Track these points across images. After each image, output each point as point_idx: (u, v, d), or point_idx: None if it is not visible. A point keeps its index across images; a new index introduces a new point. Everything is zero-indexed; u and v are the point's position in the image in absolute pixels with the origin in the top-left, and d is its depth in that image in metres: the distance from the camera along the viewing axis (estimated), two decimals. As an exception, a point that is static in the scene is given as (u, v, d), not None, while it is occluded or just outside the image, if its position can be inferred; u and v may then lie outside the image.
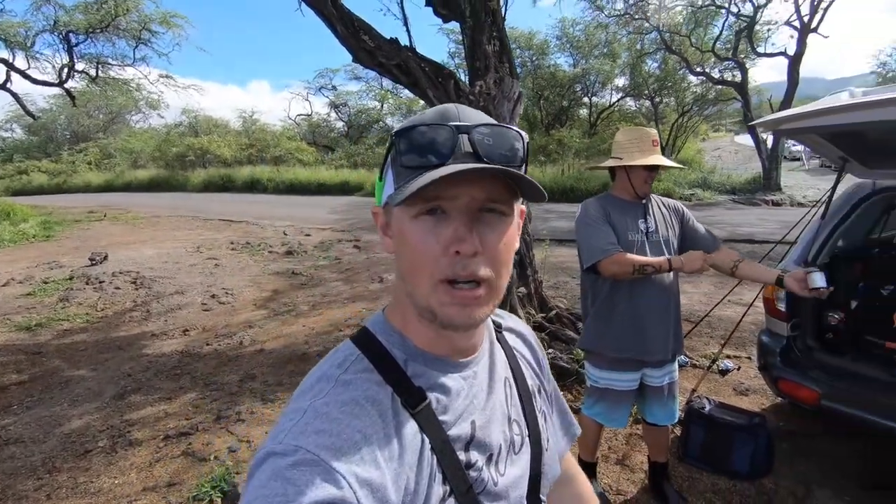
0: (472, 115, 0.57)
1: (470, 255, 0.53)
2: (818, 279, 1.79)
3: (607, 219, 2.01)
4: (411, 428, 0.55)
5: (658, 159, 1.95)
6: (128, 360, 4.42)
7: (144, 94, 20.46)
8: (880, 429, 2.17)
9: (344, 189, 21.75)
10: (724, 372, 3.62)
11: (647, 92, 23.27)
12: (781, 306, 2.61)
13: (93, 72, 15.10)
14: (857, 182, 2.73)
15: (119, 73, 15.95)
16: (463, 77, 4.87)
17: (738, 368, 3.67)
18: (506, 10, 4.71)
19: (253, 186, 24.53)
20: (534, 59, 23.90)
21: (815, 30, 14.14)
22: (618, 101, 25.84)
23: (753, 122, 2.48)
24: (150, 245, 10.15)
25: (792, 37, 14.78)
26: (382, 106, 31.43)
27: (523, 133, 0.57)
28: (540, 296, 4.03)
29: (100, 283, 6.96)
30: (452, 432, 0.58)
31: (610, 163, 2.04)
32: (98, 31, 13.68)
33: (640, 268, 1.90)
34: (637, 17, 17.10)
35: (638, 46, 21.14)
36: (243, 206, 17.70)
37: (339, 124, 33.80)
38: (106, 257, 8.44)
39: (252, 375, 3.96)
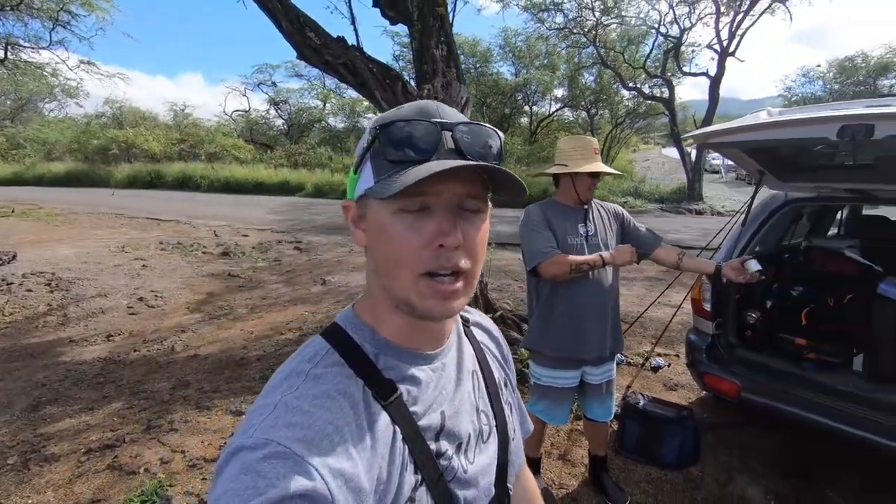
0: (452, 113, 0.58)
1: (453, 248, 0.54)
2: (753, 265, 2.00)
3: (548, 224, 2.09)
4: (383, 419, 0.55)
5: (601, 166, 2.06)
6: (42, 368, 4.05)
7: (61, 81, 18.79)
8: (790, 417, 2.40)
9: (284, 189, 21.07)
10: (655, 369, 3.85)
11: (583, 103, 24.34)
12: (707, 307, 2.82)
13: (0, 53, 13.73)
14: (771, 193, 3.00)
15: (32, 57, 14.61)
16: (410, 80, 4.88)
17: (669, 365, 3.92)
18: (453, 16, 4.78)
19: (184, 183, 23.21)
20: (477, 66, 24.33)
21: (732, 54, 15.41)
22: (557, 110, 26.80)
23: (685, 136, 2.68)
24: (67, 244, 9.34)
25: (712, 59, 16.05)
26: (325, 105, 30.78)
27: (499, 131, 0.60)
28: (485, 298, 4.11)
29: (8, 284, 6.33)
30: (423, 422, 0.59)
31: (555, 169, 2.12)
32: (7, 7, 12.46)
33: (576, 266, 2.00)
34: (575, 31, 17.85)
35: (576, 60, 22.07)
36: (174, 203, 16.71)
37: (279, 122, 32.74)
38: (15, 256, 7.68)
39: (185, 382, 3.75)
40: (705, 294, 2.84)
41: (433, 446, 0.59)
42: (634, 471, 2.70)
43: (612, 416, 2.41)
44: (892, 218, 3.54)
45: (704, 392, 3.27)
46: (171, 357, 4.26)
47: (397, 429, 0.56)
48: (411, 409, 0.59)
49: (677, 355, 4.08)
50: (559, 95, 25.95)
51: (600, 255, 2.04)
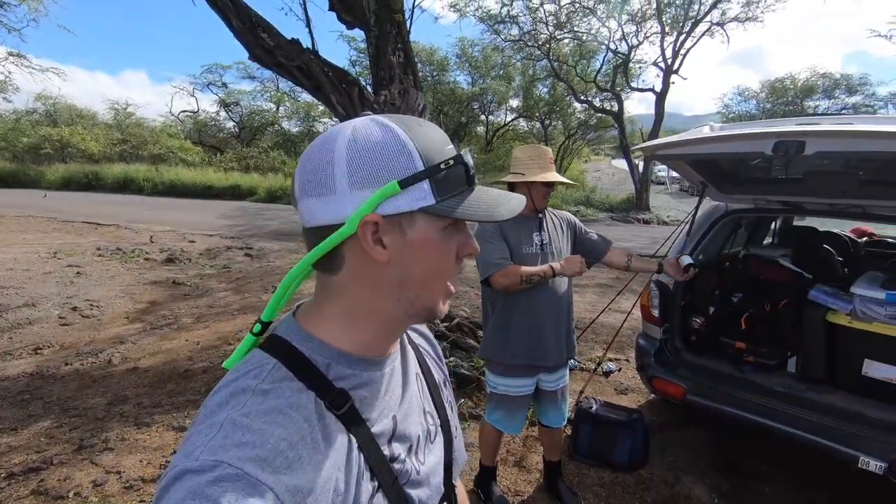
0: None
1: (476, 252, 0.65)
2: (685, 259, 2.29)
3: (502, 233, 2.11)
4: (338, 430, 0.55)
5: (556, 176, 2.10)
6: (-43, 385, 3.70)
7: (-14, 74, 17.48)
8: (731, 418, 2.51)
9: (235, 193, 20.34)
10: (607, 373, 3.95)
11: (538, 114, 24.96)
12: (656, 312, 2.93)
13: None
14: (713, 204, 3.16)
15: (-49, 46, 13.47)
16: (367, 86, 4.83)
17: (620, 370, 4.03)
18: (411, 23, 4.79)
19: (126, 186, 22.00)
20: (434, 74, 24.49)
21: (676, 71, 16.22)
22: (512, 120, 27.34)
23: (634, 148, 2.78)
24: (-11, 249, 8.64)
25: (658, 76, 16.85)
26: (279, 108, 30.06)
27: None
28: (441, 305, 4.10)
29: (-82, 294, 5.77)
30: (376, 428, 0.59)
31: (511, 178, 2.15)
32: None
33: (527, 278, 2.03)
34: (530, 44, 18.30)
35: (530, 72, 22.62)
36: (113, 207, 15.79)
37: (230, 124, 31.72)
38: (-72, 263, 7.03)
39: (123, 397, 3.52)
40: (654, 300, 2.95)
41: (386, 451, 0.60)
42: (588, 475, 2.75)
43: (566, 421, 2.45)
44: (820, 229, 3.81)
45: (653, 395, 3.38)
46: (107, 371, 3.99)
47: (352, 437, 0.56)
48: (364, 415, 0.58)
49: (627, 360, 4.21)
50: (514, 106, 26.53)
51: (551, 267, 2.08)
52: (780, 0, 14.91)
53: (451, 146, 0.60)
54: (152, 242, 9.84)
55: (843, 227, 4.26)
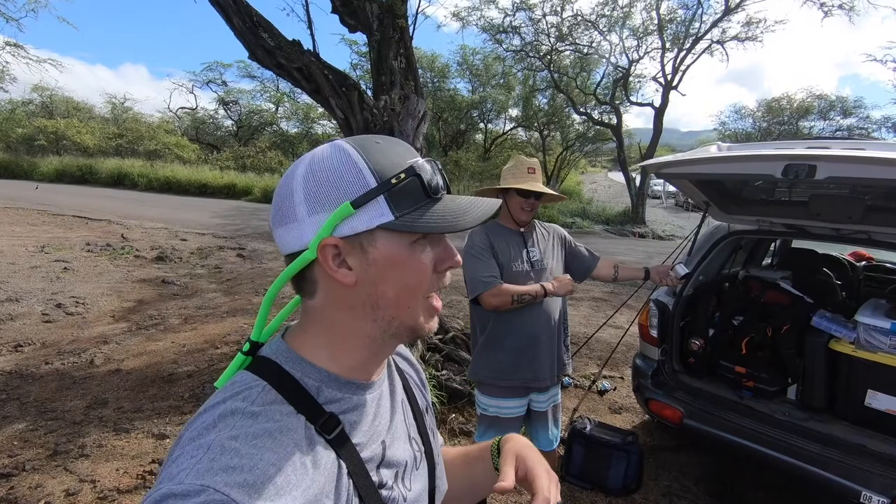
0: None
1: (458, 266, 0.62)
2: (681, 269, 2.28)
3: (491, 250, 2.05)
4: (328, 455, 0.54)
5: (534, 186, 2.01)
6: (-69, 383, 3.58)
7: (-19, 63, 17.27)
8: (729, 445, 2.44)
9: (230, 192, 20.17)
10: (602, 392, 3.88)
11: (536, 124, 25.02)
12: (654, 333, 2.86)
13: None
14: (715, 224, 3.11)
15: (-52, 34, 13.30)
16: (367, 90, 4.78)
17: (615, 388, 3.96)
18: (414, 28, 4.73)
19: (120, 181, 21.76)
20: (435, 80, 24.49)
21: (675, 87, 16.31)
22: (511, 129, 27.38)
23: (641, 164, 2.74)
24: (-25, 241, 8.48)
25: (657, 91, 16.92)
26: (278, 109, 29.96)
27: None
28: (435, 316, 4.02)
29: None
30: (366, 454, 0.59)
31: (484, 188, 2.13)
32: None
33: (518, 297, 1.97)
34: (531, 55, 18.36)
35: (530, 82, 22.69)
36: (106, 202, 15.61)
37: (228, 122, 31.55)
38: (-90, 253, 6.87)
39: (103, 401, 3.41)
40: (652, 320, 2.89)
41: (375, 477, 0.59)
42: (580, 497, 2.67)
43: (558, 442, 2.38)
44: (820, 251, 3.78)
45: (647, 416, 3.31)
46: (88, 372, 3.88)
47: (342, 463, 0.55)
48: (354, 440, 0.58)
49: (622, 377, 4.14)
50: (514, 115, 26.56)
51: (542, 287, 2.01)
52: (780, 21, 15.05)
53: (416, 160, 0.58)
54: (122, 238, 9.71)
55: (841, 251, 4.24)
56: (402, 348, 0.83)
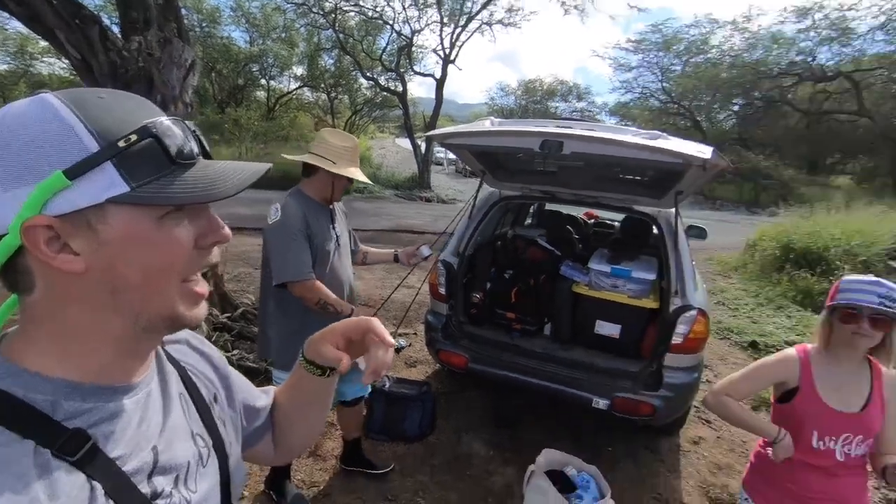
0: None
1: (227, 241, 0.54)
2: (425, 251, 2.49)
3: (306, 229, 1.98)
4: (73, 481, 0.46)
5: (363, 176, 2.09)
6: None
7: None
8: (504, 380, 2.88)
9: None
10: (398, 349, 4.12)
11: (323, 85, 24.20)
12: (442, 290, 3.14)
13: None
14: (489, 190, 3.52)
15: None
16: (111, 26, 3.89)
17: (410, 344, 4.25)
18: (172, -42, 4.00)
19: None
20: (204, 25, 21.42)
21: (452, 61, 17.58)
22: (296, 89, 25.93)
23: (428, 133, 2.91)
24: None
25: (437, 63, 18.00)
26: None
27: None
28: (222, 292, 3.66)
29: None
30: (131, 465, 0.52)
31: (319, 163, 1.98)
32: None
33: (322, 304, 1.96)
34: (314, 10, 17.46)
35: (315, 39, 21.68)
36: None
37: None
38: None
39: None
40: (440, 279, 3.16)
41: (147, 489, 0.52)
42: (382, 451, 2.83)
43: (369, 390, 2.49)
44: (564, 212, 4.62)
45: (439, 366, 3.66)
46: None
47: (96, 485, 0.47)
48: (114, 454, 0.50)
49: (416, 333, 4.46)
50: (299, 74, 25.17)
51: (352, 309, 2.01)
52: (534, 12, 17.63)
53: (154, 119, 0.49)
54: None
55: (578, 212, 5.26)
56: (182, 334, 0.73)
